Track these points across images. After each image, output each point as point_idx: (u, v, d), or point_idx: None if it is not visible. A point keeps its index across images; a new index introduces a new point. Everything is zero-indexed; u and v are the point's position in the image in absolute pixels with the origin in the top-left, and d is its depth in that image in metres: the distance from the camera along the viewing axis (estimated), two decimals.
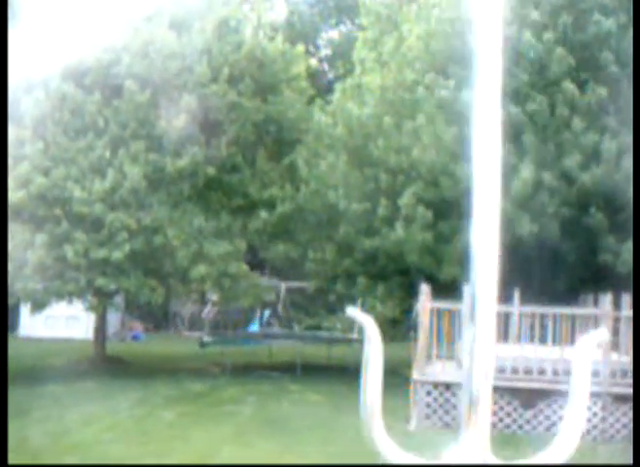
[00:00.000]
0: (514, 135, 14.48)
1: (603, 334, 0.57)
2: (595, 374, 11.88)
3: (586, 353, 0.60)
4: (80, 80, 17.42)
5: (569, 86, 14.27)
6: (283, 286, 23.57)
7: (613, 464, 10.97)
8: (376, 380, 0.60)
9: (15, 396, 14.48)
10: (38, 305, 18.46)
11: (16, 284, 16.89)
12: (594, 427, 11.77)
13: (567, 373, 11.87)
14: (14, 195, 16.57)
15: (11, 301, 18.72)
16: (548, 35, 14.56)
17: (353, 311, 0.61)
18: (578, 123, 14.13)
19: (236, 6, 20.41)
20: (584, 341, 0.60)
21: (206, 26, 18.59)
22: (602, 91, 14.06)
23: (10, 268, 16.68)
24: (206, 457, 10.07)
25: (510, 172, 14.08)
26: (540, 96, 14.43)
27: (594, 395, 11.78)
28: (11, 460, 8.06)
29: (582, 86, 14.41)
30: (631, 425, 11.15)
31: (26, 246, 16.77)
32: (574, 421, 0.57)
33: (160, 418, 12.69)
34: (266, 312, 25.12)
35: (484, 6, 0.69)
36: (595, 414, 11.80)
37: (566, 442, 0.58)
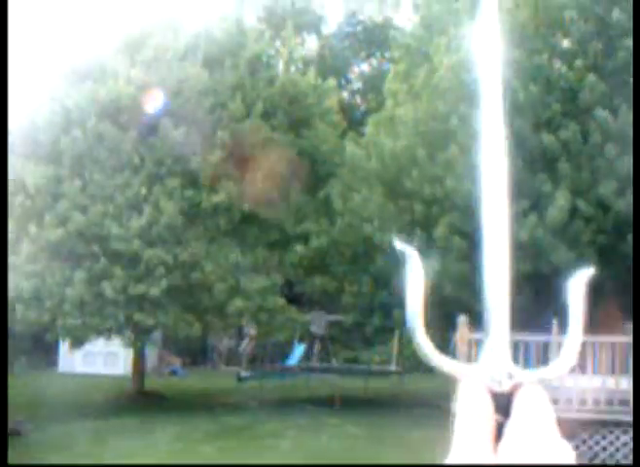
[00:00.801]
0: (548, 164, 14.47)
1: (589, 271, 0.65)
2: (624, 402, 11.73)
3: (581, 284, 0.69)
4: (116, 118, 17.67)
5: (602, 113, 14.24)
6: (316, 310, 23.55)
7: (613, 464, 10.81)
8: (418, 294, 0.69)
9: (56, 432, 14.61)
10: (77, 341, 18.64)
11: (56, 320, 17.07)
12: (625, 457, 11.61)
13: (609, 402, 11.78)
14: (53, 232, 16.81)
15: (50, 337, 18.91)
16: (578, 62, 14.57)
17: (399, 244, 0.67)
18: (611, 149, 14.08)
19: (268, 42, 20.65)
20: (577, 277, 0.69)
21: (239, 63, 18.83)
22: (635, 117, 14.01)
23: (49, 304, 16.89)
24: None
25: (545, 200, 14.05)
26: (573, 124, 14.42)
27: (624, 424, 11.62)
28: None
29: (614, 112, 14.38)
30: None
31: (66, 283, 16.96)
32: (573, 341, 0.65)
33: (200, 454, 12.71)
34: (303, 345, 25.09)
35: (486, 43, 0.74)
36: (625, 444, 11.64)
37: (567, 359, 0.66)
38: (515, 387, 0.68)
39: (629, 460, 11.56)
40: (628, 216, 14.00)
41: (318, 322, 21.11)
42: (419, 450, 12.88)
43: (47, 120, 17.50)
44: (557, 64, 14.68)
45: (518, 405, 0.66)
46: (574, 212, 14.26)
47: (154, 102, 17.69)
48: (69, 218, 17.03)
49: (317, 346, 21.27)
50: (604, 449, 11.83)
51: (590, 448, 11.86)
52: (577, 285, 0.72)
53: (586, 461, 11.82)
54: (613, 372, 12.30)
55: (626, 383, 11.80)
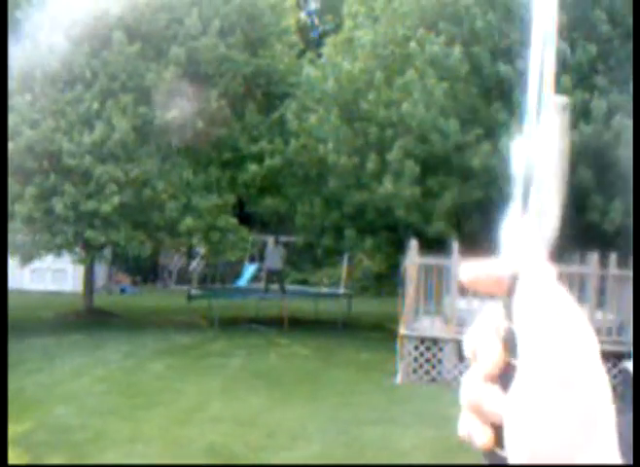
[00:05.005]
0: (503, 93, 14.46)
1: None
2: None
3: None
4: (68, 31, 17.27)
5: (561, 45, 14.19)
6: (271, 240, 23.59)
7: (613, 464, 11.13)
8: None
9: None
10: (26, 258, 18.49)
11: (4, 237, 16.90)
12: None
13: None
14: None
15: None
16: None
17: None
18: (567, 80, 14.10)
19: None
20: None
21: None
22: None
23: None
24: (196, 410, 10.20)
25: (500, 129, 14.05)
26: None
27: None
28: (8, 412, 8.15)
29: (572, 44, 14.36)
30: (626, 382, 11.20)
31: (15, 199, 16.75)
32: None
33: (149, 371, 12.81)
34: (254, 266, 25.21)
35: None
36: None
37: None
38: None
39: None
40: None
41: (274, 257, 20.62)
42: (366, 370, 13.12)
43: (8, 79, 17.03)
44: None
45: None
46: None
47: (107, 15, 17.30)
48: (18, 132, 16.72)
49: (272, 280, 20.92)
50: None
51: None
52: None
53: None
54: None
55: None
